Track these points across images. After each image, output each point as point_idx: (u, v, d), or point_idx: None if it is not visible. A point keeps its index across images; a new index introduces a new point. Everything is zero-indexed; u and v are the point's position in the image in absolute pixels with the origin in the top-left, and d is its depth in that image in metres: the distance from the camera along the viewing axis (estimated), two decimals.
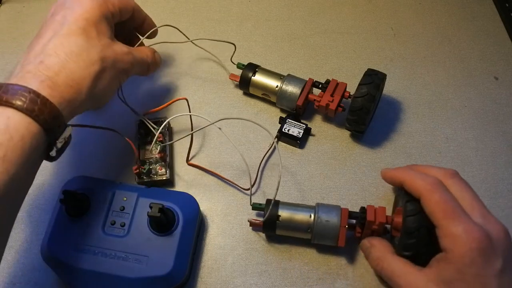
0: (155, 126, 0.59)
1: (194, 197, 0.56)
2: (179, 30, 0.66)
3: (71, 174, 0.58)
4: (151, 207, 0.47)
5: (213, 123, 0.53)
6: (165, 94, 0.68)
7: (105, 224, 0.51)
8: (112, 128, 0.57)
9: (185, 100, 0.58)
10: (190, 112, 0.58)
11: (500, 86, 0.69)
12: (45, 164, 0.61)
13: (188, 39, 0.67)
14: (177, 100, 0.57)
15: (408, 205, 0.49)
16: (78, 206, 0.51)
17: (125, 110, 0.59)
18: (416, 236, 0.47)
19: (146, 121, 0.59)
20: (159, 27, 0.64)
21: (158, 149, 0.58)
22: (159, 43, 0.65)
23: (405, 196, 0.50)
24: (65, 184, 0.55)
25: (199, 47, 0.69)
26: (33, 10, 0.79)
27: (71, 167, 0.62)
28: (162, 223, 0.49)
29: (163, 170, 0.58)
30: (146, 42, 0.62)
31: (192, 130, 0.59)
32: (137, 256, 0.49)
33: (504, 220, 0.56)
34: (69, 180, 0.55)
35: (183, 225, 0.51)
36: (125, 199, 0.52)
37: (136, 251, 0.49)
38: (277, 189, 0.52)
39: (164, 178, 0.58)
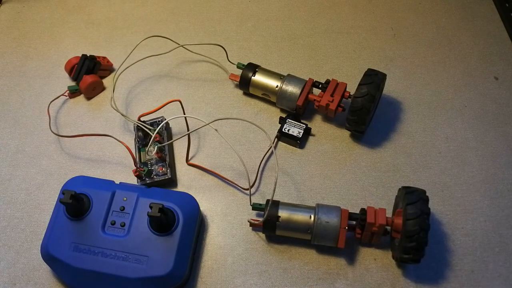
0: (151, 128, 0.59)
1: (194, 197, 0.56)
2: (168, 38, 0.67)
3: (71, 175, 0.58)
4: (151, 207, 0.47)
5: (208, 124, 0.53)
6: (166, 96, 0.68)
7: (105, 224, 0.51)
8: (108, 134, 0.57)
9: (179, 102, 0.58)
10: (184, 113, 0.58)
11: (500, 86, 0.69)
12: (45, 165, 0.62)
13: (179, 44, 0.68)
14: (170, 102, 0.57)
15: (409, 208, 0.49)
16: (78, 206, 0.51)
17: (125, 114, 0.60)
18: (416, 239, 0.47)
19: (140, 124, 0.59)
20: (148, 37, 0.65)
21: (155, 149, 0.58)
22: (150, 56, 0.66)
23: (406, 199, 0.50)
24: (65, 184, 0.55)
25: (190, 51, 0.69)
26: (33, 10, 0.79)
27: (71, 168, 0.62)
28: (162, 223, 0.49)
29: (164, 169, 0.58)
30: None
31: (188, 130, 0.59)
32: (137, 256, 0.49)
33: (504, 220, 0.57)
34: (69, 180, 0.55)
35: (183, 225, 0.51)
36: (125, 199, 0.52)
37: (136, 251, 0.49)
38: (274, 190, 0.52)
39: (165, 178, 0.58)
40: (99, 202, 0.52)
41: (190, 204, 0.55)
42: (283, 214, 0.53)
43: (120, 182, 0.56)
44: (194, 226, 0.53)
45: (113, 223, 0.51)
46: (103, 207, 0.52)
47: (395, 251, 0.51)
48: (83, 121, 0.66)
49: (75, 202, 0.50)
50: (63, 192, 0.49)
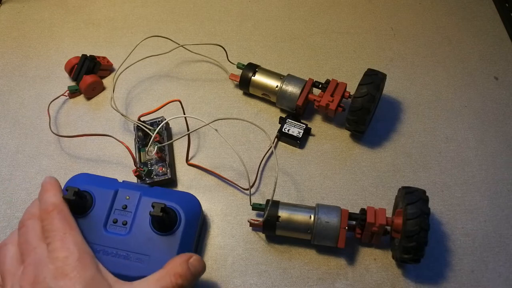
0: (150, 128, 0.59)
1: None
2: (168, 38, 0.68)
3: (70, 175, 0.58)
4: (153, 207, 0.47)
5: (208, 124, 0.53)
6: (166, 96, 0.68)
7: (107, 222, 0.51)
8: (108, 134, 0.57)
9: (179, 102, 0.58)
10: (184, 113, 0.58)
11: (500, 86, 0.69)
12: (45, 165, 0.62)
13: (179, 44, 0.68)
14: (170, 102, 0.57)
15: (409, 208, 0.49)
16: (81, 203, 0.51)
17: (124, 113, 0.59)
18: (416, 239, 0.47)
19: (141, 124, 0.59)
20: (148, 37, 0.66)
21: (155, 149, 0.58)
22: (150, 56, 0.66)
23: (406, 199, 0.50)
24: (68, 181, 0.55)
25: (190, 51, 0.69)
26: (33, 10, 0.79)
27: (71, 168, 0.62)
28: (164, 222, 0.49)
29: (164, 170, 0.58)
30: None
31: (188, 130, 0.59)
32: (138, 255, 0.49)
33: (504, 220, 0.57)
34: (72, 177, 0.55)
35: (185, 225, 0.51)
36: (127, 197, 0.52)
37: (137, 250, 0.49)
38: (274, 191, 0.52)
39: (165, 178, 0.58)
40: (101, 200, 0.52)
41: (192, 203, 0.55)
42: (283, 214, 0.53)
43: (123, 181, 0.56)
44: (196, 226, 0.53)
45: (115, 222, 0.51)
46: (106, 205, 0.51)
47: (395, 251, 0.51)
48: (83, 121, 0.66)
49: (78, 199, 0.49)
50: (66, 188, 0.48)
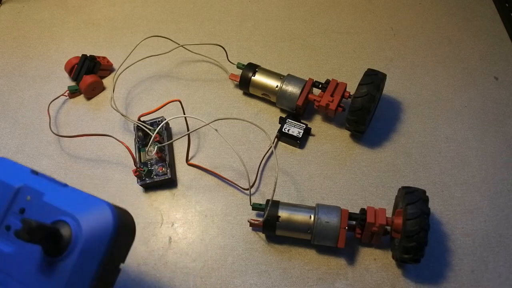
0: (150, 128, 0.59)
1: (194, 196, 0.56)
2: (168, 38, 0.68)
3: (70, 175, 0.58)
4: (22, 223, 0.33)
5: (208, 124, 0.53)
6: (166, 96, 0.68)
7: None
8: (108, 134, 0.57)
9: (179, 102, 0.58)
10: (184, 113, 0.58)
11: (500, 86, 0.69)
12: (45, 165, 0.62)
13: (179, 44, 0.68)
14: (170, 102, 0.57)
15: (409, 208, 0.49)
16: None
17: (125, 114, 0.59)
18: (416, 239, 0.47)
19: (141, 124, 0.59)
20: (148, 37, 0.66)
21: (155, 149, 0.58)
22: (150, 56, 0.67)
23: (406, 199, 0.50)
24: None
25: (190, 51, 0.69)
26: (33, 10, 0.79)
27: (71, 168, 0.62)
28: (51, 243, 0.35)
29: (164, 169, 0.58)
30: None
31: (188, 130, 0.59)
32: (16, 282, 0.36)
33: (504, 220, 0.57)
34: None
35: (82, 249, 0.35)
36: (28, 198, 0.38)
37: (17, 274, 0.36)
38: (274, 191, 0.52)
39: (165, 178, 0.58)
40: None
41: (103, 217, 0.37)
42: (283, 214, 0.53)
43: (39, 173, 0.40)
44: (103, 249, 0.36)
45: (8, 229, 0.37)
46: (1, 204, 0.38)
47: (395, 251, 0.51)
48: (83, 121, 0.66)
49: None
50: None
